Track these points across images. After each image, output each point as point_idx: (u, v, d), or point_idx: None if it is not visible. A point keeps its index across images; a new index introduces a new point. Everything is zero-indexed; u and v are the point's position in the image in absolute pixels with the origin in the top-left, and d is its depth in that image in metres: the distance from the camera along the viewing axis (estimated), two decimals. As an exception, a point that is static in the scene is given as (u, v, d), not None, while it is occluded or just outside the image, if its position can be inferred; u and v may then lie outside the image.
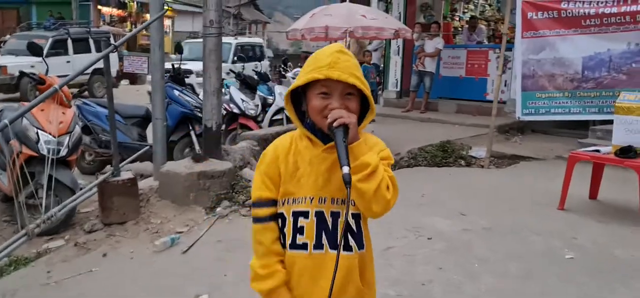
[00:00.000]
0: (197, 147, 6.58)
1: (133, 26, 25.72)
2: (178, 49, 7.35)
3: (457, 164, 7.60)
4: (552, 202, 5.28)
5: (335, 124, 1.51)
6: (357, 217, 1.65)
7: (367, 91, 1.58)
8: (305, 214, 1.63)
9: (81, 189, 4.87)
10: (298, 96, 1.66)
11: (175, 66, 7.20)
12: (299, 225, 1.63)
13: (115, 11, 27.35)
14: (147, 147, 5.98)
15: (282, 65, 13.02)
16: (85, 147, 6.96)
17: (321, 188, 1.62)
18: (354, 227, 1.65)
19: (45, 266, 3.94)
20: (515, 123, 9.35)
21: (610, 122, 7.23)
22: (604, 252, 4.15)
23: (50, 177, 4.32)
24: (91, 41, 17.50)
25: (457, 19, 14.87)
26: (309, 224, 1.62)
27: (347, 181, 1.45)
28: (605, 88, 6.77)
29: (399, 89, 12.43)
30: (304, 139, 1.67)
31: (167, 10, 5.37)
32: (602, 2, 6.67)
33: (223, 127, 6.53)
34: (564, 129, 9.10)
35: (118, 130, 6.88)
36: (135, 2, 27.96)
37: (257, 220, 1.68)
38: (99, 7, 26.62)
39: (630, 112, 4.92)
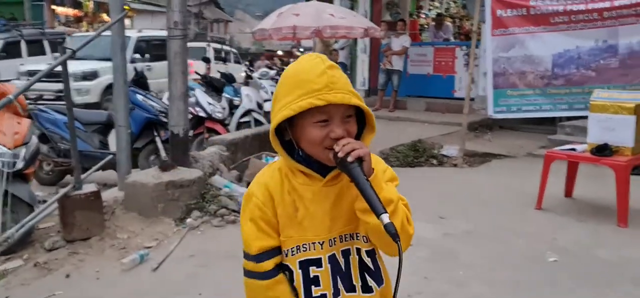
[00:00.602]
0: (163, 153, 6.29)
1: (90, 27, 24.86)
2: (140, 52, 7.02)
3: (430, 164, 7.53)
4: (529, 202, 5.24)
5: (349, 159, 1.27)
6: (371, 252, 1.44)
7: (367, 108, 1.36)
8: (317, 262, 1.40)
9: (40, 204, 4.55)
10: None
11: (138, 70, 6.87)
12: (311, 275, 1.40)
13: (70, 11, 26.39)
14: (111, 156, 5.66)
15: (249, 66, 12.75)
16: (43, 157, 6.57)
17: (329, 230, 1.40)
18: (371, 264, 1.44)
19: (2, 290, 3.62)
20: (484, 120, 9.38)
21: (578, 117, 7.33)
22: (588, 254, 4.11)
23: (5, 192, 4.00)
24: (46, 43, 16.77)
25: (423, 16, 14.88)
26: (323, 273, 1.40)
27: (392, 233, 1.21)
28: (575, 85, 6.80)
29: (367, 88, 12.34)
30: (298, 174, 1.42)
31: (128, 11, 5.06)
32: (570, 0, 6.70)
33: (191, 132, 6.26)
34: (532, 125, 9.18)
35: (79, 138, 6.55)
36: (91, 2, 27.04)
37: (261, 276, 1.41)
38: (53, 7, 25.64)
39: (605, 109, 4.90)
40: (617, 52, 6.52)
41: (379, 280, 1.46)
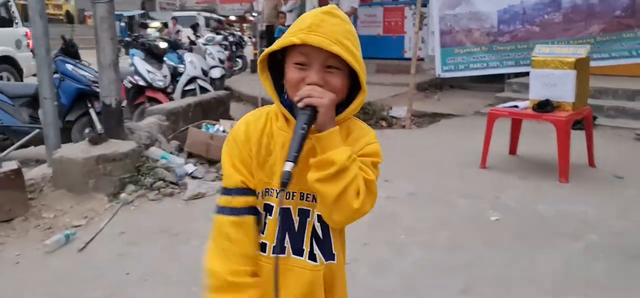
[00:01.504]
0: (98, 126, 5.96)
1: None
2: (69, 18, 6.57)
3: (379, 126, 7.44)
4: (474, 161, 5.21)
5: (300, 104, 1.21)
6: (325, 222, 1.32)
7: (357, 65, 1.23)
8: (270, 210, 1.34)
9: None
10: (278, 64, 1.33)
11: (67, 38, 6.45)
12: (264, 221, 1.35)
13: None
14: (37, 131, 5.31)
15: (192, 30, 12.29)
16: (-33, 135, 6.15)
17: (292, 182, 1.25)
18: (320, 232, 1.34)
19: None
20: (433, 80, 9.34)
21: (525, 75, 7.35)
22: (528, 210, 4.09)
23: None
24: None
25: (372, -25, 14.64)
26: (271, 222, 1.34)
27: (283, 181, 1.16)
28: (520, 41, 6.78)
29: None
30: (280, 118, 1.35)
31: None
32: (514, -46, 6.62)
33: (124, 103, 5.95)
34: (481, 83, 9.20)
35: (5, 112, 6.16)
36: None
37: (228, 211, 1.34)
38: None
39: (546, 65, 4.86)
40: (560, 6, 6.50)
41: (327, 254, 1.35)
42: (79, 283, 3.21)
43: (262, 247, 1.35)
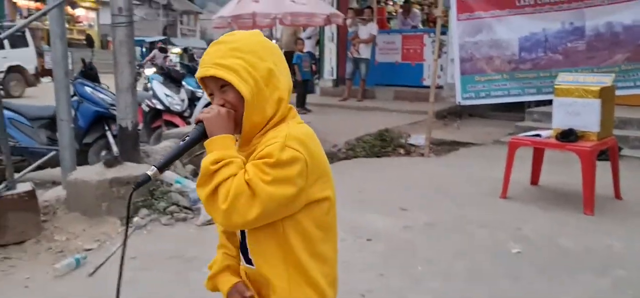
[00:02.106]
0: (114, 148, 5.95)
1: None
2: (89, 42, 6.65)
3: (397, 153, 7.34)
4: (494, 191, 5.06)
5: (194, 122, 1.43)
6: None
7: (230, 75, 1.34)
8: None
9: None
10: None
11: (87, 61, 6.51)
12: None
13: (32, 4, 25.60)
14: (53, 152, 5.32)
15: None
16: (-15, 155, 6.19)
17: None
18: (239, 236, 1.46)
19: None
20: (452, 108, 9.23)
21: (547, 103, 7.21)
22: (550, 243, 3.94)
23: None
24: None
25: (391, 3, 14.66)
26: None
27: (137, 182, 1.35)
28: (543, 69, 6.65)
29: (335, 77, 12.10)
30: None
31: (66, -2, 4.78)
32: (535, -19, 6.54)
33: (140, 126, 5.94)
34: (501, 112, 9.06)
35: (23, 133, 6.20)
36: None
37: None
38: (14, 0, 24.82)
39: (570, 93, 4.74)
40: (583, 34, 6.37)
41: (246, 259, 1.46)
42: (87, 308, 3.14)
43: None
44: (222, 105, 1.37)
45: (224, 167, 1.29)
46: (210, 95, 1.42)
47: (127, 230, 1.43)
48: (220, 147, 1.32)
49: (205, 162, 1.31)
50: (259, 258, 1.42)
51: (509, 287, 3.28)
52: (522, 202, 4.87)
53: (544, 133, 4.97)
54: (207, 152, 1.34)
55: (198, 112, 7.84)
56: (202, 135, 1.36)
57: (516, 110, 8.47)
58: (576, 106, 4.65)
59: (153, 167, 1.33)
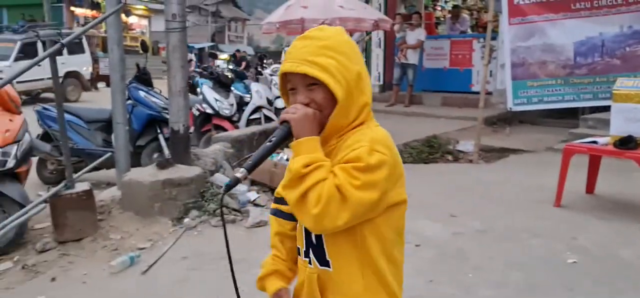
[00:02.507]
0: (166, 151, 6.10)
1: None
2: (143, 47, 6.85)
3: (445, 160, 7.23)
4: (547, 199, 4.91)
5: (279, 122, 1.36)
6: None
7: (329, 77, 1.32)
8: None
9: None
10: None
11: (141, 66, 6.71)
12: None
13: (89, 12, 26.60)
14: (109, 153, 5.50)
15: (259, 62, 12.55)
16: (46, 156, 6.46)
17: None
18: (314, 238, 1.41)
19: (-14, 295, 3.47)
20: (502, 114, 9.03)
21: (602, 110, 6.96)
22: (609, 254, 3.78)
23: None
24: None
25: (439, 8, 14.50)
26: (299, 227, 1.46)
27: (227, 184, 1.33)
28: (599, 74, 6.42)
29: (381, 83, 12.04)
30: None
31: (124, 4, 4.96)
32: (592, -16, 6.33)
33: (191, 129, 6.06)
34: (554, 118, 8.80)
35: (81, 135, 6.44)
36: (109, 3, 27.21)
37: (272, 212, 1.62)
38: (72, 8, 25.84)
39: (629, 99, 4.56)
40: (644, 38, 6.13)
41: (320, 259, 1.41)
42: (141, 305, 3.23)
43: (299, 251, 1.49)
44: (307, 105, 1.34)
45: (315, 171, 1.27)
46: (291, 90, 1.38)
47: (224, 227, 1.48)
48: (309, 150, 1.29)
49: (295, 164, 1.28)
50: (337, 261, 1.39)
51: (566, 298, 3.18)
52: (577, 211, 4.70)
53: (601, 140, 4.79)
54: (294, 153, 1.31)
55: (246, 117, 7.95)
56: (287, 136, 1.33)
57: (569, 117, 8.21)
58: (636, 112, 4.48)
59: (243, 169, 1.30)
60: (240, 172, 1.30)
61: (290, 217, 1.49)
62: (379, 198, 1.29)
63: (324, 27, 1.43)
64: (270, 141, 1.32)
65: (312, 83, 1.34)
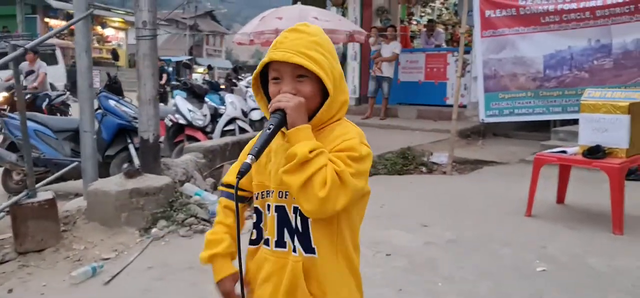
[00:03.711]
0: (136, 161, 5.98)
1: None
2: (114, 56, 6.73)
3: (419, 171, 7.24)
4: (518, 209, 4.93)
5: (270, 109, 1.39)
6: (303, 216, 1.42)
7: (322, 71, 1.39)
8: (268, 208, 1.51)
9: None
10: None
11: (112, 75, 6.60)
12: (265, 218, 1.52)
13: (63, 23, 26.24)
14: (75, 163, 5.36)
15: (233, 73, 12.45)
16: (12, 166, 6.29)
17: (281, 182, 1.40)
18: (299, 225, 1.45)
19: (-63, 308, 3.32)
20: (476, 127, 9.10)
21: (573, 122, 7.05)
22: (578, 262, 3.79)
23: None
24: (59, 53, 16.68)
25: (415, 22, 14.64)
26: (269, 218, 1.50)
27: (240, 171, 1.32)
28: (568, 87, 6.53)
29: (357, 96, 12.07)
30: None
31: (91, 11, 4.82)
32: (561, -1, 6.44)
33: (161, 139, 5.96)
34: (526, 131, 8.90)
35: (48, 145, 6.29)
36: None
37: (220, 193, 1.67)
38: (46, 19, 25.49)
39: (596, 109, 4.61)
40: (610, 51, 6.24)
41: (306, 246, 1.45)
42: (101, 317, 3.12)
43: (266, 242, 1.51)
44: (293, 94, 1.39)
45: (318, 157, 1.33)
46: (274, 79, 1.43)
47: (238, 223, 1.45)
48: (307, 137, 1.35)
49: (299, 149, 1.32)
50: (320, 248, 1.44)
51: (534, 306, 3.16)
52: (547, 221, 4.72)
53: (570, 149, 4.84)
54: (292, 140, 1.35)
55: (220, 128, 7.87)
56: (283, 123, 1.37)
57: (542, 129, 8.31)
58: (604, 122, 4.52)
59: (251, 155, 1.33)
60: (250, 158, 1.32)
61: (243, 201, 1.60)
62: (364, 186, 1.41)
63: (308, 23, 1.48)
64: (268, 129, 1.35)
65: (301, 75, 1.40)
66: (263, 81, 1.51)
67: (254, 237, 1.58)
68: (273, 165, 1.48)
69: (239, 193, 1.48)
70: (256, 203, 1.56)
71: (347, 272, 1.49)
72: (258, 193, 1.54)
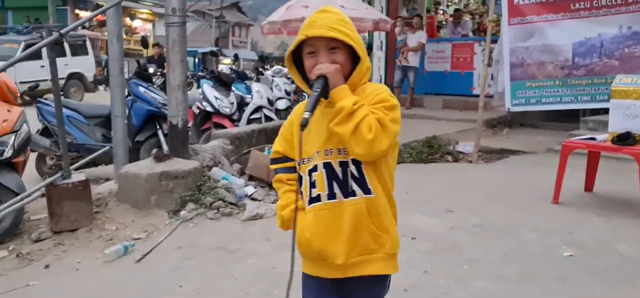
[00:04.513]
0: (165, 146, 6.10)
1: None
2: (144, 43, 6.87)
3: (444, 160, 7.20)
4: (545, 196, 4.89)
5: (312, 77, 1.62)
6: (358, 163, 1.66)
7: (352, 41, 1.62)
8: (315, 168, 1.70)
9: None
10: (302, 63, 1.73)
11: (141, 62, 6.72)
12: (312, 179, 1.70)
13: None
14: (107, 147, 5.50)
15: (260, 62, 12.56)
16: (46, 151, 6.47)
17: (325, 141, 1.67)
18: (355, 172, 1.67)
19: (-21, 282, 3.46)
20: (503, 117, 9.01)
21: (603, 112, 6.94)
22: (606, 248, 3.76)
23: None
24: (66, 45, 16.93)
25: (441, 12, 14.51)
26: (318, 176, 1.69)
27: (301, 124, 1.54)
28: (597, 75, 6.40)
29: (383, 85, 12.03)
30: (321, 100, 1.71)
31: (123, -2, 4.98)
32: (591, -15, 6.32)
33: (190, 124, 6.07)
34: (554, 121, 8.78)
35: (80, 131, 6.46)
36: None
37: (275, 171, 1.87)
38: (77, 11, 25.99)
39: (628, 95, 4.55)
40: (642, 38, 6.11)
41: (364, 189, 1.67)
42: (133, 291, 3.22)
43: (318, 198, 1.70)
44: (330, 62, 1.62)
45: (361, 108, 1.55)
46: (310, 53, 1.66)
47: (296, 205, 1.73)
48: (348, 94, 1.58)
49: (345, 103, 1.54)
50: (374, 188, 1.68)
51: (561, 290, 3.15)
52: (575, 208, 4.68)
53: (599, 136, 4.78)
54: (335, 99, 1.57)
55: (247, 116, 7.95)
56: (325, 86, 1.59)
57: (570, 119, 8.19)
58: (635, 108, 4.46)
59: (307, 111, 1.55)
60: (306, 114, 1.54)
61: (283, 171, 1.83)
62: (398, 130, 1.63)
63: (329, 6, 1.72)
64: (316, 91, 1.57)
65: (334, 48, 1.63)
66: (294, 60, 1.73)
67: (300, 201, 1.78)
68: (315, 131, 1.69)
69: (286, 165, 1.82)
70: (299, 171, 1.76)
71: (389, 204, 1.75)
72: (300, 161, 1.73)
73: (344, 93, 1.58)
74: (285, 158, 1.83)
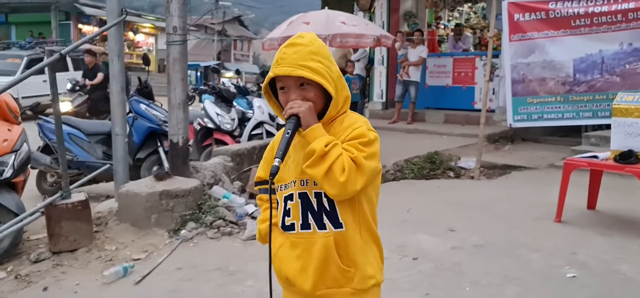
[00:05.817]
0: (166, 164, 6.10)
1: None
2: (145, 61, 6.88)
3: (446, 176, 7.18)
4: (548, 215, 4.86)
5: (285, 116, 1.61)
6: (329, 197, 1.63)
7: (321, 78, 1.59)
8: (291, 197, 1.69)
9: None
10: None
11: (143, 80, 6.74)
12: (287, 207, 1.70)
13: (96, 30, 26.86)
14: (108, 165, 5.49)
15: (261, 77, 12.54)
16: (46, 168, 6.47)
17: (303, 171, 1.62)
18: (327, 205, 1.66)
19: (-24, 304, 3.44)
20: (504, 132, 8.99)
21: (605, 127, 6.92)
22: (609, 269, 3.72)
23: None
24: (69, 60, 16.99)
25: (442, 26, 14.53)
26: (293, 205, 1.68)
27: (271, 172, 1.54)
28: (599, 91, 6.39)
29: (384, 100, 12.04)
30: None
31: (125, 16, 4.96)
32: (592, 1, 6.31)
33: (191, 141, 6.06)
34: (556, 136, 8.76)
35: (81, 148, 6.45)
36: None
37: (258, 191, 1.90)
38: (80, 26, 26.12)
39: (629, 113, 4.52)
40: (644, 55, 6.09)
41: (335, 223, 1.66)
42: (132, 315, 3.19)
43: (292, 227, 1.69)
44: (300, 100, 1.61)
45: (334, 148, 1.54)
46: (281, 88, 1.65)
47: (271, 211, 1.72)
48: (321, 134, 1.57)
49: (317, 145, 1.53)
50: (346, 222, 1.66)
51: (563, 313, 3.12)
52: (578, 227, 4.64)
53: (601, 154, 4.75)
54: (309, 139, 1.57)
55: (248, 132, 7.95)
56: (298, 126, 1.59)
57: (572, 134, 8.17)
58: (637, 127, 4.44)
59: (278, 158, 1.54)
60: (277, 161, 1.54)
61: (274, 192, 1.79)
62: (377, 166, 1.61)
63: (303, 33, 1.69)
64: (287, 133, 1.56)
65: (304, 83, 1.61)
66: (272, 87, 1.72)
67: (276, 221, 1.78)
68: (293, 160, 1.69)
69: (266, 187, 1.77)
70: (277, 196, 1.75)
71: (370, 240, 1.72)
72: (277, 187, 1.74)
73: (316, 133, 1.57)
74: (265, 181, 1.83)
